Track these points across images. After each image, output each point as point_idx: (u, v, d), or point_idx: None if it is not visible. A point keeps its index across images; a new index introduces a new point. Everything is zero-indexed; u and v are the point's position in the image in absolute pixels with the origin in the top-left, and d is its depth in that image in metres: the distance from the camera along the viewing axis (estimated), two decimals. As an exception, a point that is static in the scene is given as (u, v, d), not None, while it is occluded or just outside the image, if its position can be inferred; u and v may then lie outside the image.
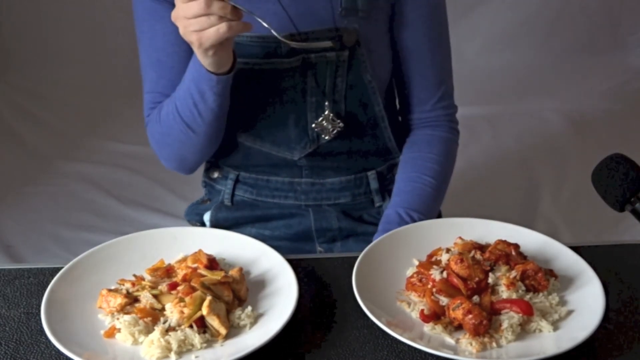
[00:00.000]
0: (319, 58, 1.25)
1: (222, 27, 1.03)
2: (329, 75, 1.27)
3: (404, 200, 1.30)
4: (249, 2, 1.21)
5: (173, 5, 1.23)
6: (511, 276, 1.00)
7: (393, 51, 1.35)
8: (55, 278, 1.02)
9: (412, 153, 1.38)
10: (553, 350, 0.90)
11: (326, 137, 1.32)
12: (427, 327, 0.96)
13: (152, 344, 0.91)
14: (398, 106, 1.45)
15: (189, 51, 1.26)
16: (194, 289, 0.96)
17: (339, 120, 1.30)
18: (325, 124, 1.30)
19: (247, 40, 1.23)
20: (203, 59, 1.12)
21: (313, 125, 1.30)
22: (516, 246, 1.07)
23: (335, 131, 1.31)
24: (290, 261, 1.06)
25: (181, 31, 1.08)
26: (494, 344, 0.93)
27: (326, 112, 1.29)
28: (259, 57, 1.24)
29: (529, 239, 1.12)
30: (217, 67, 1.14)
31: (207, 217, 1.43)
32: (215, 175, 1.44)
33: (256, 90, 1.27)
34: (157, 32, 1.27)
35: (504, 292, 0.99)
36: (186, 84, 1.20)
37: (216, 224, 1.40)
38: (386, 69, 1.35)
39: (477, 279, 1.00)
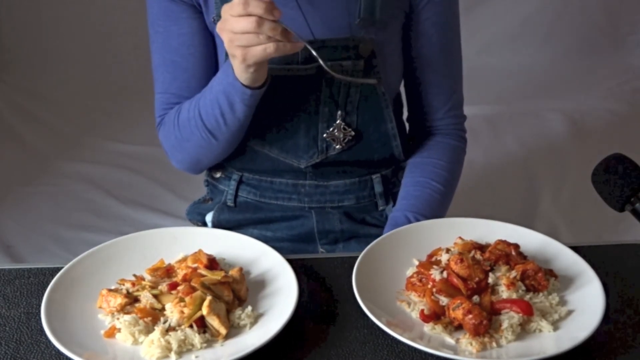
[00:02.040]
0: (334, 67, 1.22)
1: (270, 47, 1.02)
2: (343, 85, 1.26)
3: (413, 204, 1.30)
4: None
5: (190, 7, 1.23)
6: (511, 276, 1.00)
7: (405, 59, 1.34)
8: (55, 278, 1.02)
9: (422, 158, 1.37)
10: (553, 350, 0.90)
11: (337, 147, 1.31)
12: (427, 327, 0.95)
13: (152, 344, 0.91)
14: (407, 113, 1.44)
15: (203, 53, 1.27)
16: (194, 289, 0.96)
17: (350, 129, 1.29)
18: (336, 133, 1.29)
19: None
20: (242, 73, 1.11)
21: (324, 135, 1.30)
22: (516, 246, 1.07)
23: (346, 140, 1.30)
24: (290, 261, 1.06)
25: (226, 44, 1.06)
26: (494, 344, 0.93)
27: (338, 121, 1.28)
28: (275, 63, 1.22)
29: (529, 239, 1.12)
30: (253, 82, 1.14)
31: (209, 218, 1.43)
32: (218, 175, 1.43)
33: (269, 96, 1.25)
34: (172, 33, 1.27)
35: (504, 292, 0.99)
36: (214, 94, 1.19)
37: (218, 225, 1.40)
38: (397, 77, 1.35)
39: (477, 279, 1.00)
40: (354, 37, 1.23)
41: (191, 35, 1.25)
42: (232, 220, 1.39)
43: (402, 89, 1.43)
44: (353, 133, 1.30)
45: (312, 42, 1.21)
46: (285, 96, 1.26)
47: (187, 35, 1.25)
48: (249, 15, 1.00)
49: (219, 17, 1.20)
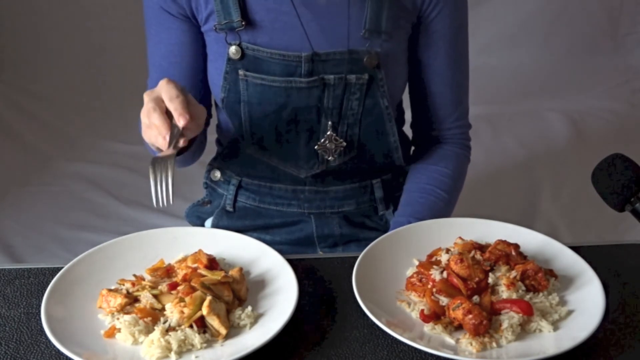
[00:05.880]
0: (337, 80, 1.23)
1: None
2: (346, 98, 1.25)
3: (417, 211, 1.29)
4: (268, 13, 1.21)
5: (183, 19, 1.24)
6: (511, 276, 1.00)
7: (412, 69, 1.33)
8: (55, 278, 1.02)
9: (428, 165, 1.37)
10: (553, 350, 0.90)
11: (330, 158, 1.30)
12: (427, 327, 0.95)
13: (152, 344, 0.91)
14: (411, 118, 1.43)
15: (190, 63, 1.28)
16: (194, 289, 0.96)
17: (341, 140, 1.29)
18: (328, 144, 1.29)
19: (267, 56, 1.22)
20: None
21: (316, 147, 1.29)
22: (516, 246, 1.07)
23: (337, 151, 1.30)
24: (290, 261, 1.06)
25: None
26: (494, 344, 0.93)
27: (328, 132, 1.28)
28: (277, 75, 1.22)
29: (529, 239, 1.12)
30: None
31: (208, 224, 1.43)
32: (217, 177, 1.43)
33: (270, 107, 1.25)
34: (162, 40, 1.28)
35: (504, 292, 0.99)
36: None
37: None
38: (401, 86, 1.34)
39: (477, 279, 1.00)
40: (358, 50, 1.22)
41: (179, 46, 1.27)
42: (232, 227, 1.39)
43: (404, 96, 1.42)
44: (344, 144, 1.29)
45: (315, 55, 1.21)
46: (286, 108, 1.26)
47: (175, 46, 1.27)
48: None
49: (221, 25, 1.21)
